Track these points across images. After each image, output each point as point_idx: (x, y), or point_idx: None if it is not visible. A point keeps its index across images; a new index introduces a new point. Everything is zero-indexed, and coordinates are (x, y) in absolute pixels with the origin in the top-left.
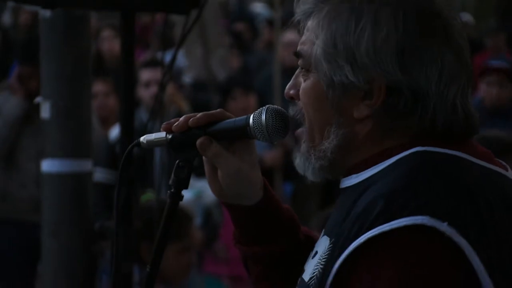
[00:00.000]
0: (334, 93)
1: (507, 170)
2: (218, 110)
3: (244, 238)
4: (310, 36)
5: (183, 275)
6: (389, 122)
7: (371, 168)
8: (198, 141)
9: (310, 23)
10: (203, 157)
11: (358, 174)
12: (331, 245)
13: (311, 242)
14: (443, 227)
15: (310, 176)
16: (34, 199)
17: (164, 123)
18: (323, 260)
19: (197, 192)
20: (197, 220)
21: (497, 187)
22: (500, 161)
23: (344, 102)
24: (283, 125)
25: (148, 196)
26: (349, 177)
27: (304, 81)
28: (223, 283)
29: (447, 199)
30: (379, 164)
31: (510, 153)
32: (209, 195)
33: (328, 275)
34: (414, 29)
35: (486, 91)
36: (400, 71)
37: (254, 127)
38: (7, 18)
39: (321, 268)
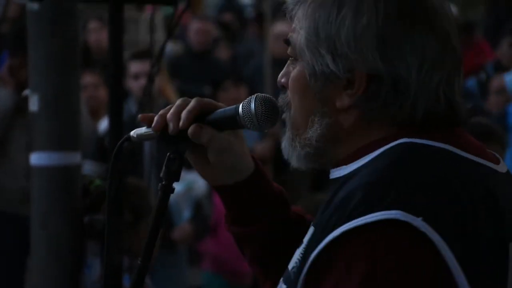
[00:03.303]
0: (317, 82)
1: (498, 163)
2: (195, 100)
3: (237, 219)
4: (297, 25)
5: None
6: (372, 112)
7: (359, 160)
8: (190, 131)
9: (298, 12)
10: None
11: (347, 165)
12: (312, 234)
13: (304, 223)
14: (417, 222)
15: (294, 162)
16: (25, 192)
17: (153, 125)
18: (303, 249)
19: (188, 184)
20: (187, 213)
21: (482, 183)
22: (494, 153)
23: (326, 91)
24: (272, 112)
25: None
26: (339, 168)
27: (292, 69)
28: (223, 278)
29: (425, 194)
30: (366, 156)
31: (492, 139)
32: (200, 187)
33: (305, 265)
34: (396, 17)
35: None
36: (381, 60)
37: (243, 116)
38: None
39: (301, 257)
